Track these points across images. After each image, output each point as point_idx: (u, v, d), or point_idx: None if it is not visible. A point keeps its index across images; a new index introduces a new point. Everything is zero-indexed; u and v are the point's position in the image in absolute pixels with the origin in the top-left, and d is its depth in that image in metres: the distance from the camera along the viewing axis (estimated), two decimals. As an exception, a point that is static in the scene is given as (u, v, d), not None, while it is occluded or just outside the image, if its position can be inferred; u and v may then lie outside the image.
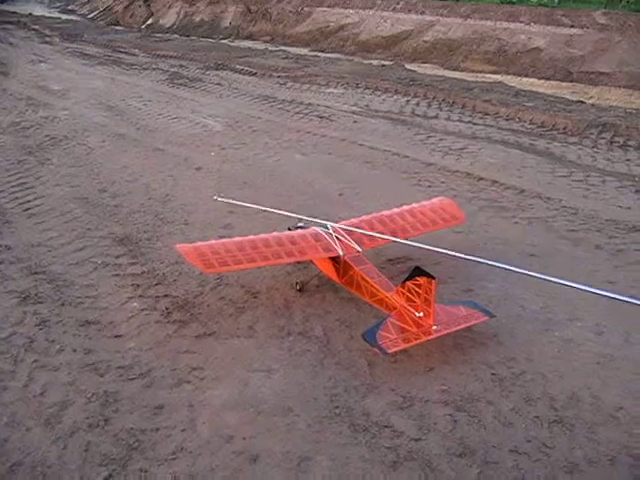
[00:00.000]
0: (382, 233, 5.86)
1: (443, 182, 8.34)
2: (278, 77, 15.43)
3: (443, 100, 12.79)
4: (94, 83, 15.37)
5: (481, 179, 8.46)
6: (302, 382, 4.47)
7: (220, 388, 4.41)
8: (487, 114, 11.91)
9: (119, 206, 7.62)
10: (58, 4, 53.21)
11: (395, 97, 13.19)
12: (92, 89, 14.60)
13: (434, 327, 4.59)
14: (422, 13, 20.93)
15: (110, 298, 5.54)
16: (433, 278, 4.48)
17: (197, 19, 32.93)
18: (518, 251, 6.40)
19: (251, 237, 5.57)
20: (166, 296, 5.55)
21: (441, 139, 10.30)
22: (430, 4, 21.15)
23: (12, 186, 8.42)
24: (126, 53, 20.39)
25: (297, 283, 5.70)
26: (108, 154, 9.77)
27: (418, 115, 11.84)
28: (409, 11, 21.36)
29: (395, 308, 4.81)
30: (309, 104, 12.75)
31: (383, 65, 17.47)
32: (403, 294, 4.76)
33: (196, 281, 5.79)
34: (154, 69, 17.21)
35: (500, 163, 9.16)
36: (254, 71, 16.15)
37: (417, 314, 4.65)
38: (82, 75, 16.63)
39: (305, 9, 27.26)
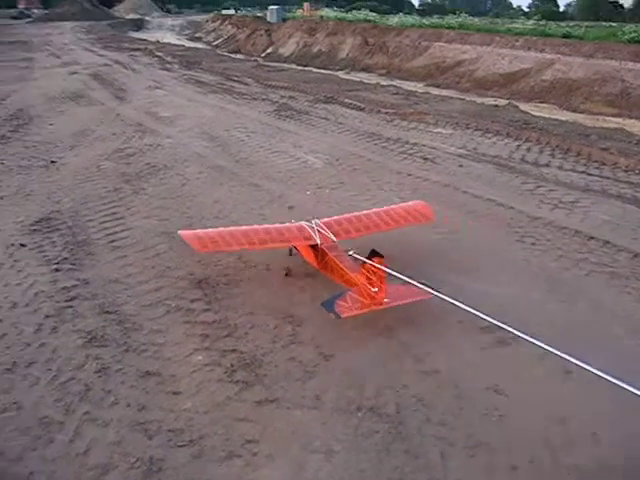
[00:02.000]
0: (358, 228, 6.90)
1: (549, 240, 7.58)
2: (386, 113, 15.05)
3: (557, 146, 11.97)
4: (203, 111, 15.55)
5: (592, 238, 7.64)
6: (364, 469, 3.96)
7: (272, 468, 3.96)
8: (604, 164, 11.00)
9: (204, 244, 7.41)
10: (187, 32, 55.46)
11: (506, 141, 12.48)
12: (200, 117, 14.76)
13: (385, 300, 5.45)
14: (542, 51, 20.16)
15: (176, 348, 5.23)
16: (382, 257, 5.40)
17: (315, 50, 33.26)
18: (626, 328, 5.61)
19: (245, 227, 6.64)
20: (234, 351, 5.19)
21: (551, 190, 9.52)
22: (551, 42, 20.36)
23: (104, 215, 8.40)
24: (239, 82, 20.69)
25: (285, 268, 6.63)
26: (202, 187, 9.66)
27: (528, 162, 11.09)
28: (528, 49, 20.64)
29: (356, 285, 5.64)
30: (414, 144, 12.26)
31: (496, 105, 16.80)
32: (364, 274, 5.53)
33: (268, 336, 5.41)
34: (263, 99, 17.29)
35: (614, 221, 8.30)
36: (362, 106, 15.88)
37: (373, 289, 5.46)
38: (193, 103, 16.91)
39: (423, 43, 26.97)
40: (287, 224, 6.74)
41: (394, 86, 20.04)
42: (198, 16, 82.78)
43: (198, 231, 6.47)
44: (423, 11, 63.01)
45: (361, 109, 15.67)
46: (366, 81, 22.09)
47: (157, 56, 29.97)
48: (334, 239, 6.46)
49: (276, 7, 51.04)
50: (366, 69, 27.79)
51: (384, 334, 5.52)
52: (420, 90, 19.65)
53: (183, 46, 37.60)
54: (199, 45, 41.94)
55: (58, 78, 22.39)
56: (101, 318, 5.73)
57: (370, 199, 9.11)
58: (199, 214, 8.43)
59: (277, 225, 6.73)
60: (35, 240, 7.65)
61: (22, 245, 7.48)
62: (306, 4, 57.90)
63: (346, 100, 16.69)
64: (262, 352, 5.18)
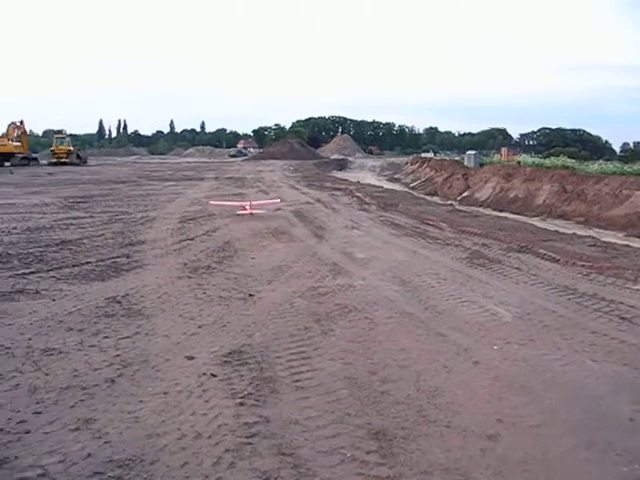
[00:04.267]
0: None
1: None
2: (582, 266, 14.56)
3: None
4: (396, 254, 15.99)
5: None
6: None
7: None
8: None
9: (385, 393, 7.44)
10: (387, 173, 58.16)
11: None
12: (392, 260, 15.17)
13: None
14: None
15: (348, 499, 5.25)
16: None
17: (511, 195, 33.40)
18: None
19: None
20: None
21: None
22: None
23: (291, 353, 8.73)
24: (433, 226, 21.12)
25: None
26: (389, 332, 9.79)
27: None
28: None
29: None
30: (611, 301, 11.67)
31: None
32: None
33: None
34: (456, 245, 17.47)
35: None
36: (557, 257, 15.51)
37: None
38: (387, 245, 17.48)
39: (624, 192, 26.12)
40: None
41: (591, 237, 19.43)
42: (398, 158, 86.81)
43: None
44: (625, 157, 61.40)
45: (556, 260, 15.31)
46: (562, 230, 21.68)
47: (356, 196, 31.50)
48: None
49: (474, 152, 52.34)
50: (563, 216, 27.34)
51: None
52: (620, 242, 18.92)
53: (382, 187, 39.25)
54: (397, 186, 43.69)
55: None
56: (277, 459, 5.88)
57: (560, 359, 8.74)
58: (383, 361, 8.53)
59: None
60: (225, 372, 8.06)
61: (213, 375, 7.89)
62: (504, 149, 58.70)
63: (540, 250, 16.41)
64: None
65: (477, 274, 13.96)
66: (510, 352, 9.04)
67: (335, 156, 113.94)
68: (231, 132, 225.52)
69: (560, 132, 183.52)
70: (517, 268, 14.54)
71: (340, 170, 75.06)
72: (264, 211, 23.28)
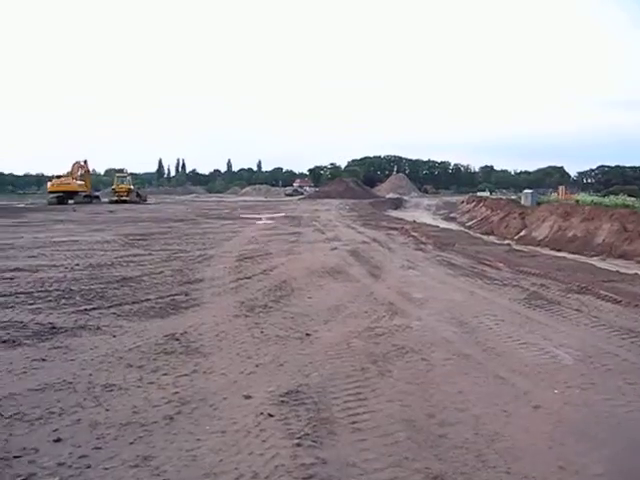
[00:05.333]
0: None
1: None
2: (644, 308, 14.20)
3: None
4: (453, 295, 15.85)
5: None
6: None
7: None
8: None
9: (443, 437, 7.34)
10: (442, 212, 58.03)
11: None
12: (449, 301, 15.04)
13: None
14: None
15: None
16: None
17: (569, 234, 32.85)
18: None
19: None
20: None
21: None
22: None
23: (348, 394, 8.67)
24: (490, 266, 20.88)
25: None
26: (447, 375, 9.67)
27: None
28: None
29: None
30: (678, 345, 11.34)
31: None
32: None
33: None
34: (514, 286, 17.22)
35: None
36: (619, 299, 15.12)
37: None
38: (444, 285, 17.35)
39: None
40: None
41: (655, 278, 18.95)
42: (453, 197, 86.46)
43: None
44: (689, 195, 59.87)
45: (617, 302, 14.92)
46: (623, 270, 21.13)
47: (412, 236, 31.42)
48: None
49: (531, 191, 51.95)
50: (623, 256, 26.67)
51: None
52: (687, 282, 18.35)
53: (438, 226, 39.08)
54: (453, 225, 43.42)
55: (320, 253, 24.41)
56: (336, 504, 5.88)
57: (625, 405, 8.46)
58: (441, 403, 8.43)
59: None
60: (282, 412, 8.04)
61: (270, 415, 7.87)
62: (561, 187, 57.94)
63: (601, 291, 16.03)
64: None
65: (536, 315, 13.71)
66: (572, 396, 8.83)
67: (390, 195, 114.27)
68: (287, 171, 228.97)
69: (619, 170, 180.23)
70: (577, 309, 14.24)
71: (396, 209, 75.13)
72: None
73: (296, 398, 8.58)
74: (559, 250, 29.52)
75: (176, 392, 8.54)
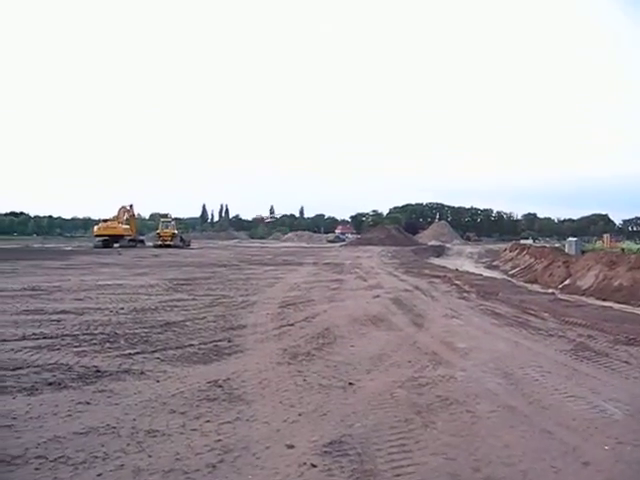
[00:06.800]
0: None
1: None
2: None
3: None
4: (497, 345, 15.62)
5: None
6: None
7: None
8: None
9: (489, 492, 7.23)
10: (485, 260, 57.52)
11: None
12: (493, 351, 14.81)
13: None
14: None
15: None
16: None
17: (615, 283, 32.24)
18: None
19: None
20: None
21: None
22: None
23: (392, 446, 8.55)
24: (535, 316, 20.56)
25: None
26: (492, 427, 9.49)
27: None
28: None
29: None
30: None
31: None
32: None
33: None
34: (559, 336, 16.90)
35: None
36: (670, 351, 14.77)
37: None
38: (488, 335, 17.11)
39: None
40: None
41: None
42: (496, 245, 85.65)
43: None
44: None
45: (668, 354, 14.59)
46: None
47: (455, 284, 31.18)
48: None
49: (575, 239, 51.37)
50: (671, 307, 26.06)
51: None
52: None
53: (481, 275, 38.72)
54: (496, 274, 42.96)
55: (362, 300, 24.34)
56: None
57: (681, 464, 8.25)
58: (487, 458, 8.25)
59: None
60: (325, 462, 7.96)
61: (313, 465, 7.81)
62: (606, 236, 57.15)
63: (651, 343, 15.69)
64: None
65: (583, 367, 13.41)
66: (623, 453, 8.56)
67: (432, 242, 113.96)
68: (329, 218, 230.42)
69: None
70: (626, 362, 13.90)
71: (438, 257, 74.75)
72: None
73: (339, 449, 8.50)
74: (605, 300, 28.91)
75: (219, 440, 8.54)
